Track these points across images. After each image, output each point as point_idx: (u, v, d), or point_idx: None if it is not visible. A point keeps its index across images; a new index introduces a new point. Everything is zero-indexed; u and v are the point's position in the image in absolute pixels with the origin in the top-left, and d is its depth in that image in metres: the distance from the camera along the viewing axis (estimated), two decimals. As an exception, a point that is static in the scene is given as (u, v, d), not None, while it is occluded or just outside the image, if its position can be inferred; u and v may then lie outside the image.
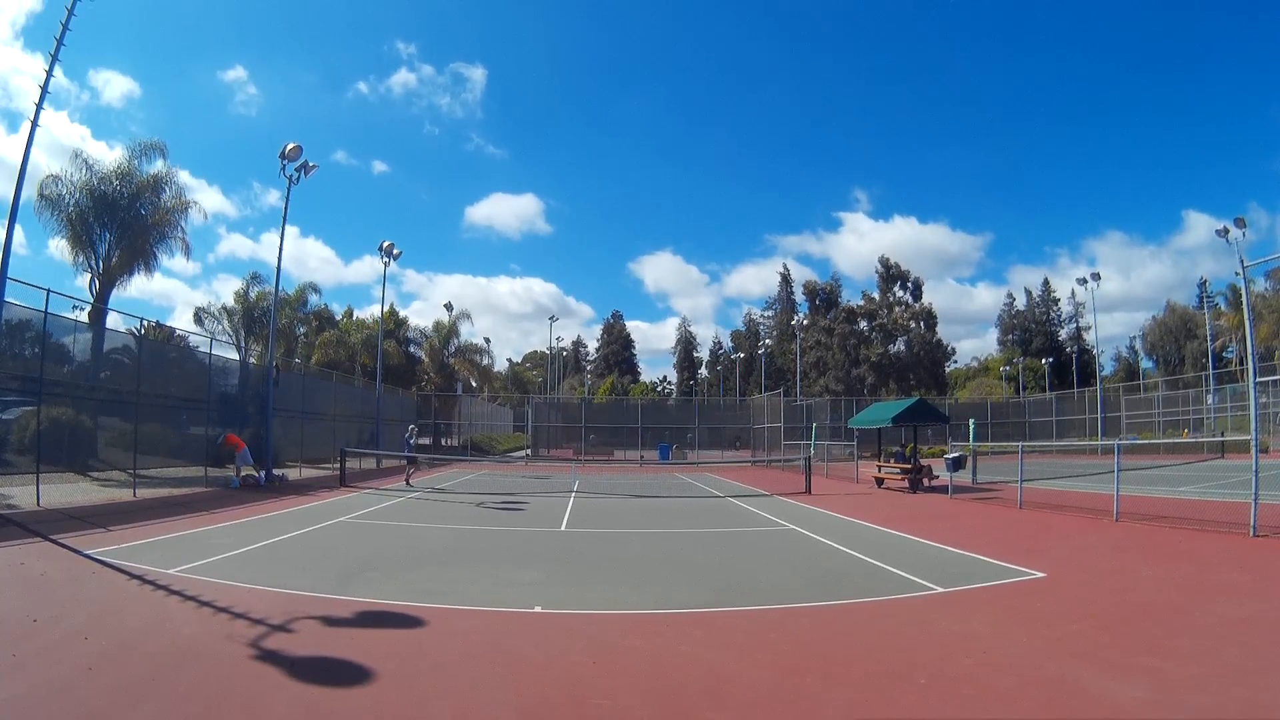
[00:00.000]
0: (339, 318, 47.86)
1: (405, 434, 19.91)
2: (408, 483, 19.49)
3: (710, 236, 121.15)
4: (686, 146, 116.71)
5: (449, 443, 42.16)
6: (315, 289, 40.37)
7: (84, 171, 21.87)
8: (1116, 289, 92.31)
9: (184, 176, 22.35)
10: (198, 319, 33.07)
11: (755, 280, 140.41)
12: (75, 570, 7.78)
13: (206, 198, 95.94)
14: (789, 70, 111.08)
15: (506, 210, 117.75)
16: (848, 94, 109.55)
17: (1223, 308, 52.90)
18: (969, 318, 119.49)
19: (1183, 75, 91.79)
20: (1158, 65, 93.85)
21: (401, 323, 46.49)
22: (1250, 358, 11.92)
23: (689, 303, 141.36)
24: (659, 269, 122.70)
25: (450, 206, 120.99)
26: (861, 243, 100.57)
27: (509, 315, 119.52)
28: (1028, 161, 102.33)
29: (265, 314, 31.11)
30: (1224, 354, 52.68)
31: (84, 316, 20.39)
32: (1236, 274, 16.81)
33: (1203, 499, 14.65)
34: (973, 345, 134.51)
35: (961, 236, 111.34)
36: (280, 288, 24.52)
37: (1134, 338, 74.17)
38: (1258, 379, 11.52)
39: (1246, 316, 15.29)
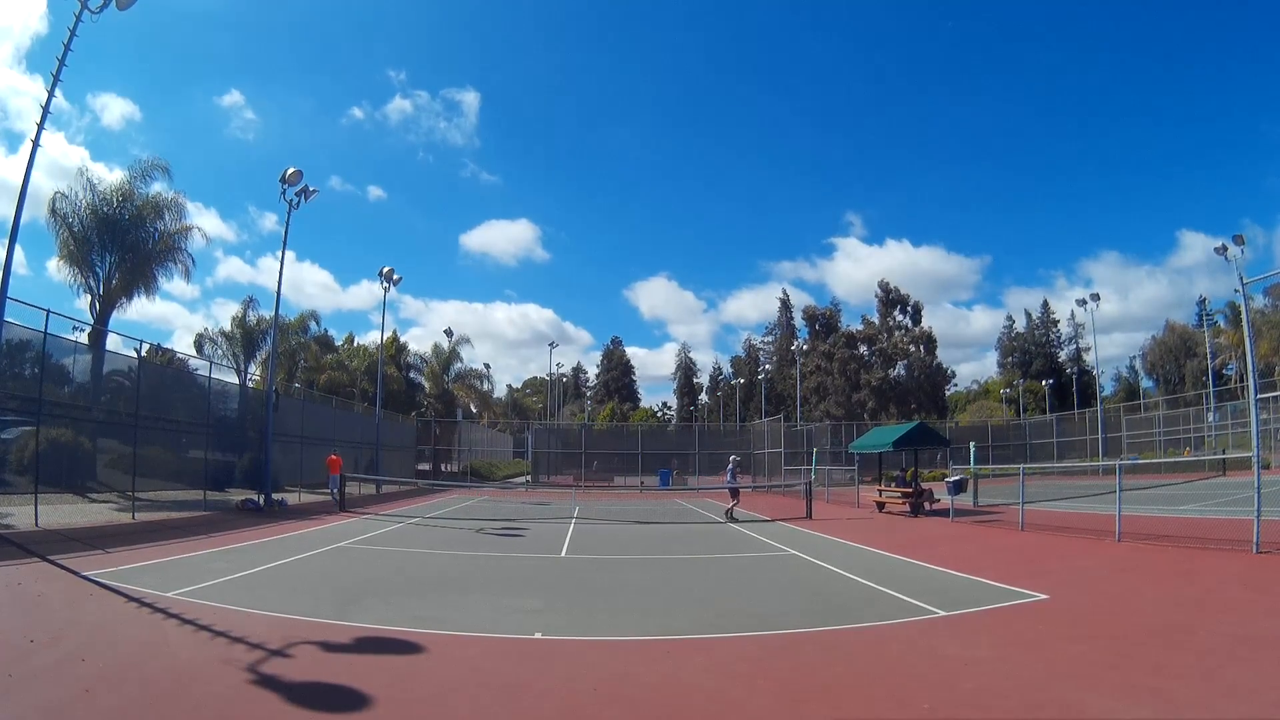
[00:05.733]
0: (339, 344, 47.99)
1: (729, 466, 19.73)
2: (732, 515, 18.29)
3: (705, 262, 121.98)
4: (679, 172, 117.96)
5: (449, 469, 42.02)
6: (315, 317, 40.39)
7: (87, 191, 22.07)
8: (1115, 309, 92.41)
9: (183, 199, 22.98)
10: (197, 346, 33.17)
11: (752, 306, 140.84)
12: (73, 592, 7.74)
13: (204, 221, 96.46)
14: (780, 95, 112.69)
15: (501, 236, 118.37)
16: (840, 118, 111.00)
17: (1222, 325, 53.05)
18: (966, 341, 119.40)
19: (1174, 94, 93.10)
20: (1148, 84, 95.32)
21: (402, 348, 46.58)
22: (1250, 374, 11.94)
23: (686, 329, 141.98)
24: (655, 295, 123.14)
25: (446, 232, 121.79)
26: (857, 268, 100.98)
27: (507, 342, 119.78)
28: (1021, 184, 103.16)
29: (264, 338, 31.18)
30: (1224, 371, 52.65)
31: (84, 338, 20.48)
32: (1235, 291, 16.86)
33: (1205, 517, 14.58)
34: (971, 369, 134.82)
35: (957, 260, 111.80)
36: (280, 312, 24.65)
37: (1134, 357, 74.11)
38: (1258, 396, 11.52)
39: (1246, 333, 15.34)
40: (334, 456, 21.73)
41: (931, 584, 8.77)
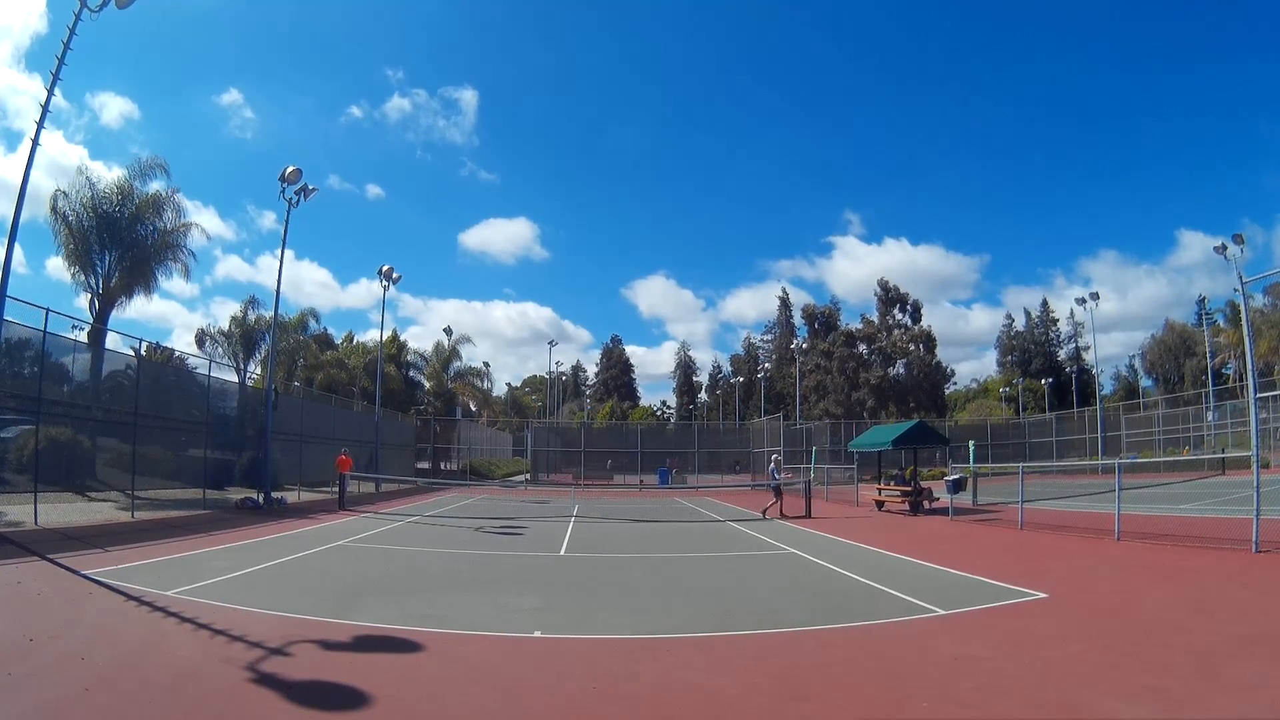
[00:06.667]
0: (339, 342, 47.99)
1: (770, 465, 19.58)
2: (766, 515, 18.11)
3: (703, 261, 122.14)
4: (677, 170, 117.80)
5: (448, 467, 42.03)
6: (315, 315, 40.47)
7: (87, 189, 22.03)
8: (1114, 308, 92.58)
9: (181, 198, 23.12)
10: (199, 341, 33.16)
11: (751, 305, 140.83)
12: (72, 590, 7.73)
13: (203, 220, 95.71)
14: (779, 93, 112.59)
15: (500, 235, 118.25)
16: (839, 116, 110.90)
17: (1221, 324, 53.07)
18: (965, 340, 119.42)
19: (1173, 93, 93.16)
20: (1147, 83, 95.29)
21: (402, 347, 46.55)
22: (1250, 374, 11.95)
23: (685, 328, 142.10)
24: (654, 294, 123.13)
25: (444, 231, 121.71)
26: (855, 267, 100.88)
27: (505, 340, 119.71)
28: (1020, 183, 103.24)
29: (263, 336, 31.15)
30: (1223, 370, 52.57)
31: (83, 337, 20.46)
32: (1235, 290, 16.85)
33: (1204, 516, 14.57)
34: (970, 367, 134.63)
35: (956, 259, 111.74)
36: (279, 311, 24.63)
37: (1133, 356, 74.18)
38: (1258, 395, 11.53)
39: (1246, 332, 15.35)
40: (344, 455, 21.52)
41: (931, 582, 8.77)
